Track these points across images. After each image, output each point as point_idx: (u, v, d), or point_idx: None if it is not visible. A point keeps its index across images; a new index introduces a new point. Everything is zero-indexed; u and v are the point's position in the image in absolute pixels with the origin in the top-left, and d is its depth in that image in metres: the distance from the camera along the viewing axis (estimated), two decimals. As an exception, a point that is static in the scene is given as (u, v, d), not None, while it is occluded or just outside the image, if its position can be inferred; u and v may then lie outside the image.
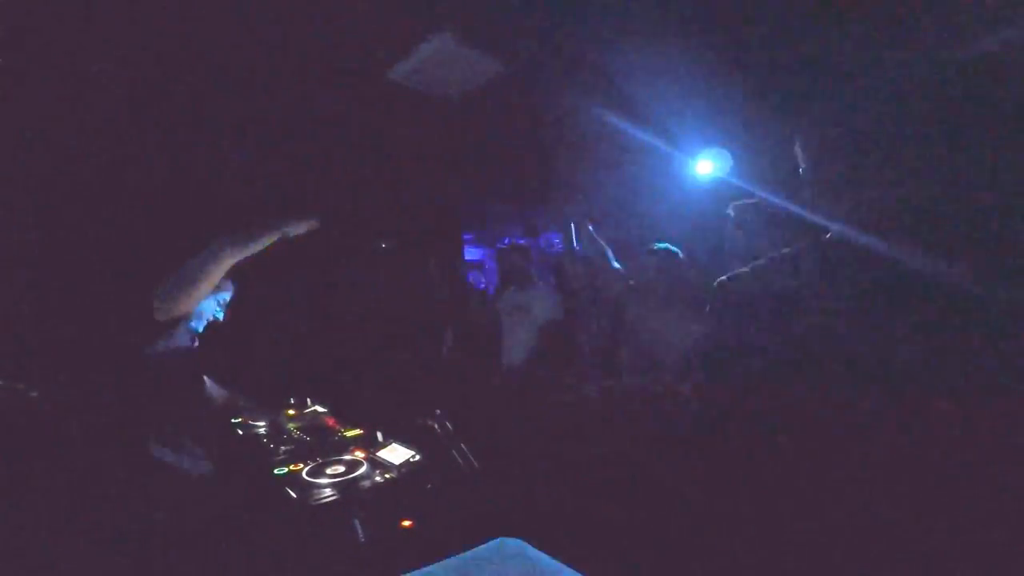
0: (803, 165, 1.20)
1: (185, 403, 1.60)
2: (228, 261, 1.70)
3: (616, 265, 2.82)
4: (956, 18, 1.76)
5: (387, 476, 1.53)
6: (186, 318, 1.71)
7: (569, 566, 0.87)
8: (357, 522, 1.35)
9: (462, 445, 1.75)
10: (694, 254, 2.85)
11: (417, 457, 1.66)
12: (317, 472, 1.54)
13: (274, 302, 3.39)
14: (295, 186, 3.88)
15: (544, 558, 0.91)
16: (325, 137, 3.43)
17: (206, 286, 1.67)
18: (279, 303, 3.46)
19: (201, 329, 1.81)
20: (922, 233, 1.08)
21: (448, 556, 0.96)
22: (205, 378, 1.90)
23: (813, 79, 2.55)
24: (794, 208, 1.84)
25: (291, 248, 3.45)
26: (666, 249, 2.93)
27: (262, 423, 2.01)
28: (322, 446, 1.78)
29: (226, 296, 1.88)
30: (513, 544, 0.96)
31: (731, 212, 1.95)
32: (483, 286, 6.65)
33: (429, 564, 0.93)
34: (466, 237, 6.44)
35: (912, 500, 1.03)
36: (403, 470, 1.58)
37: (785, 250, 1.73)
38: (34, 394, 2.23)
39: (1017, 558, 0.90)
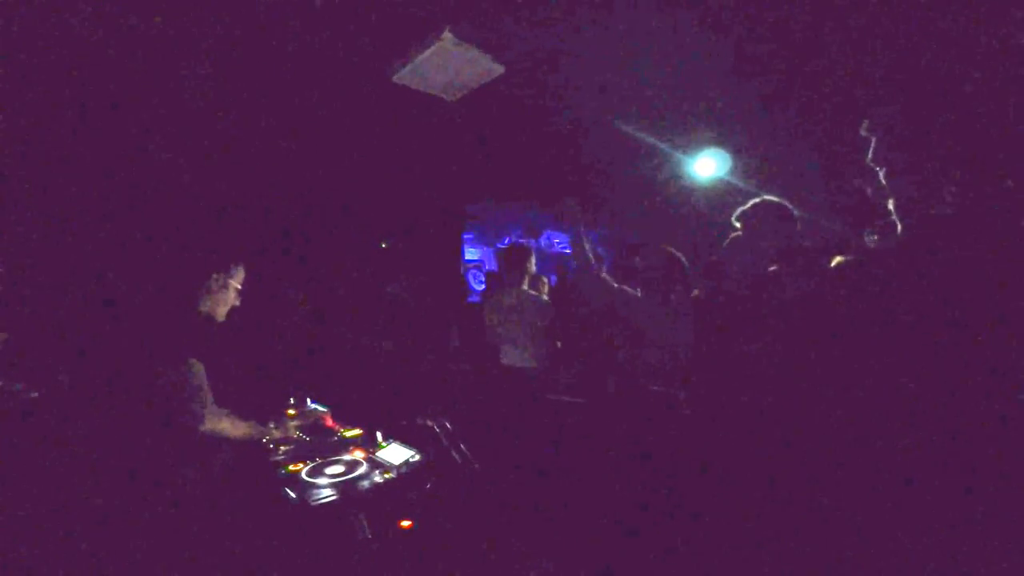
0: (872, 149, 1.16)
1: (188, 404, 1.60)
2: (240, 279, 1.85)
3: (597, 268, 2.79)
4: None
5: (387, 476, 1.53)
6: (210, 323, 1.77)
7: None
8: (364, 520, 1.35)
9: (462, 445, 1.75)
10: (693, 255, 2.83)
11: (417, 457, 1.66)
12: (317, 472, 1.54)
13: (274, 302, 3.39)
14: (296, 186, 3.89)
15: None
16: (326, 137, 3.43)
17: (231, 296, 1.83)
18: (279, 303, 3.46)
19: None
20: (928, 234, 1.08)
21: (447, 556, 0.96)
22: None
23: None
24: (795, 208, 1.84)
25: (292, 248, 3.45)
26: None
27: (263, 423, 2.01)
28: (322, 446, 1.78)
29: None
30: None
31: (735, 219, 1.93)
32: (483, 286, 6.65)
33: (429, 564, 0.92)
34: (466, 237, 6.44)
35: (908, 503, 1.03)
36: (403, 470, 1.58)
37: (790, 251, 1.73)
38: (34, 394, 2.24)
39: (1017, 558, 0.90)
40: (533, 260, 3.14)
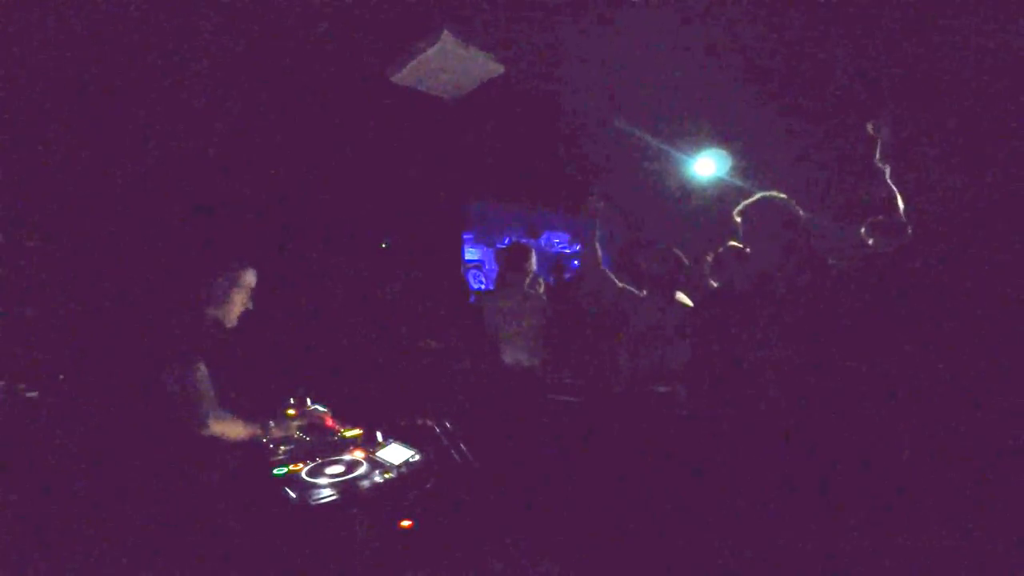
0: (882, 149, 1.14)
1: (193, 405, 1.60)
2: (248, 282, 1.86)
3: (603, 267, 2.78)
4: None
5: (387, 476, 1.53)
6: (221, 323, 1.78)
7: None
8: (364, 520, 1.35)
9: (462, 445, 1.75)
10: (693, 255, 2.83)
11: (417, 457, 1.66)
12: (317, 472, 1.54)
13: (274, 302, 3.39)
14: (297, 186, 3.89)
15: None
16: (326, 137, 3.43)
17: (240, 300, 1.84)
18: (279, 303, 3.46)
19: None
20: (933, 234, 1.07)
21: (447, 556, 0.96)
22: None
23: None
24: (795, 207, 1.83)
25: (293, 248, 3.45)
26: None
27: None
28: (322, 446, 1.78)
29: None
30: None
31: (736, 214, 1.91)
32: (482, 285, 6.65)
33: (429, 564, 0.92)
34: (466, 237, 6.43)
35: (906, 504, 1.03)
36: (403, 470, 1.58)
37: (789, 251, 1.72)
38: (34, 394, 2.24)
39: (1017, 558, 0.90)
40: (533, 260, 3.14)
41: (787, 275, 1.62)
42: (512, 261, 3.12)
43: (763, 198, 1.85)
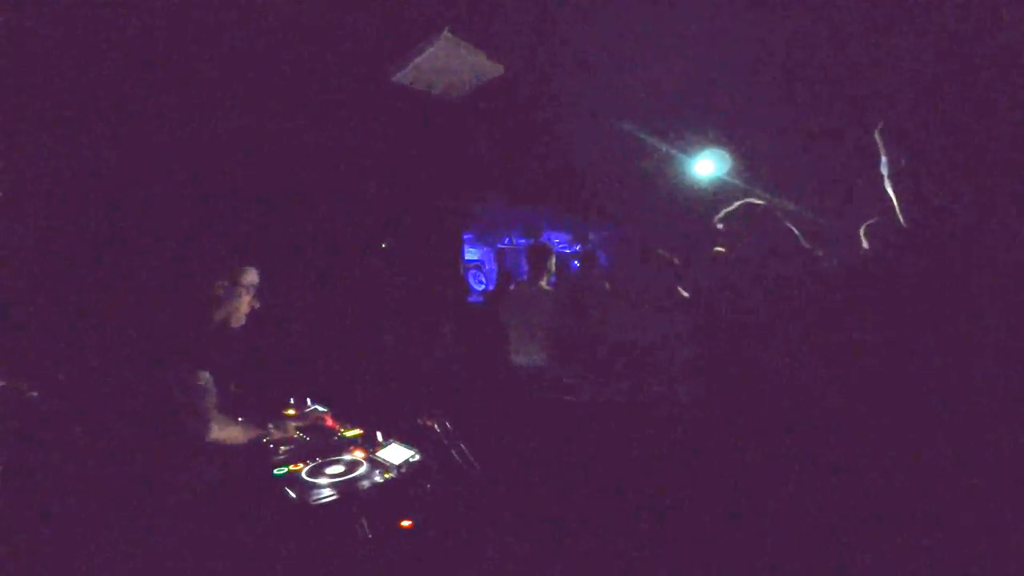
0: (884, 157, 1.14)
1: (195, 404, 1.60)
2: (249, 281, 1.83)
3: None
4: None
5: (387, 476, 1.53)
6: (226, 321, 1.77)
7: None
8: (364, 520, 1.36)
9: (462, 445, 1.75)
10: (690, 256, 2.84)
11: (417, 457, 1.66)
12: (317, 472, 1.54)
13: (275, 302, 3.39)
14: (298, 186, 3.89)
15: None
16: (326, 137, 3.43)
17: (245, 300, 1.81)
18: (280, 303, 3.46)
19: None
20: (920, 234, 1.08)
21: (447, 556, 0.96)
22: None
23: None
24: (790, 209, 1.85)
25: (293, 248, 3.45)
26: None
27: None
28: (322, 446, 1.78)
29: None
30: None
31: (717, 220, 1.97)
32: (483, 285, 6.65)
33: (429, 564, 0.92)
34: (466, 237, 6.44)
35: (904, 503, 1.03)
36: (403, 470, 1.58)
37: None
38: (34, 394, 2.24)
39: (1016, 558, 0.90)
40: (553, 259, 3.25)
41: (778, 278, 1.63)
42: (535, 259, 3.21)
43: (744, 205, 1.91)
